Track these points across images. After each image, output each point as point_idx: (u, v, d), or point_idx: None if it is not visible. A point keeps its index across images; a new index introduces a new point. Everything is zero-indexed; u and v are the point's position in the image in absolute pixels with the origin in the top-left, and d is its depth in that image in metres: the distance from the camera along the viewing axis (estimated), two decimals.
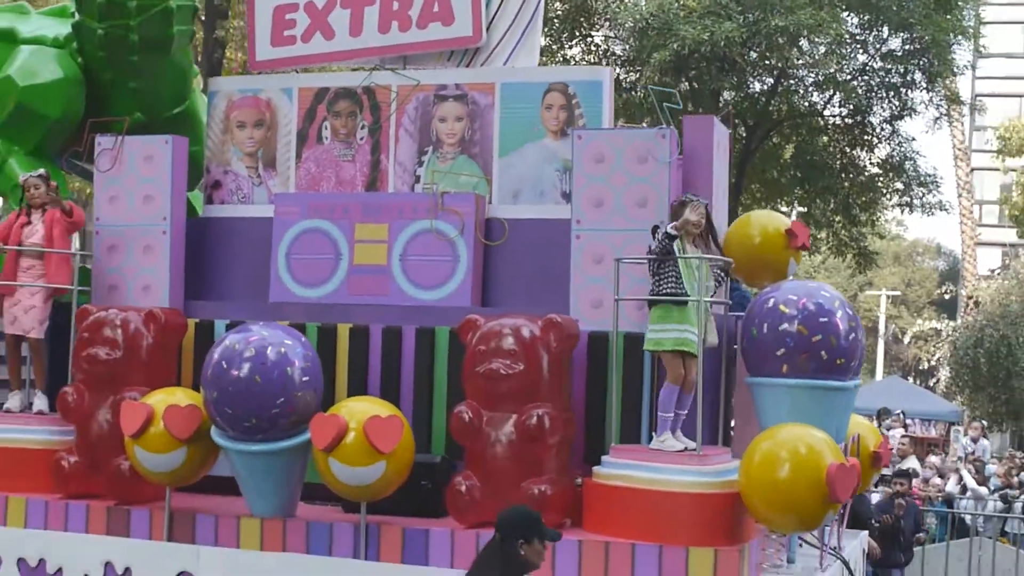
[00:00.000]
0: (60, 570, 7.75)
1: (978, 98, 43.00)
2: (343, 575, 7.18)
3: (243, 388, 7.04)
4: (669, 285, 7.00)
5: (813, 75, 22.24)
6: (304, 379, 7.19)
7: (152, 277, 8.62)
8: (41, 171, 8.53)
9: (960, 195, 39.69)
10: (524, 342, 7.23)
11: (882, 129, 23.51)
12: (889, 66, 22.34)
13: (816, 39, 20.75)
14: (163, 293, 8.57)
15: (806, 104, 22.96)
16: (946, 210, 25.99)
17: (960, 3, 22.02)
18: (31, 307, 8.38)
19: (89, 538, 7.70)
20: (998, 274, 41.06)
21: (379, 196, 8.51)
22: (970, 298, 36.89)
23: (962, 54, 24.64)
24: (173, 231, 8.63)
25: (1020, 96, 57.88)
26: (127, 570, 7.59)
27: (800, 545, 7.67)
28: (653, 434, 7.23)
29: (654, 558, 6.74)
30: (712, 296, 7.26)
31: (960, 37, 22.51)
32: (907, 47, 22.15)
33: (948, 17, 21.54)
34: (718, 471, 7.00)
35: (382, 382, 8.06)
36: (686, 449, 7.06)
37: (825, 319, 7.28)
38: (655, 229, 7.18)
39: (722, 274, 7.52)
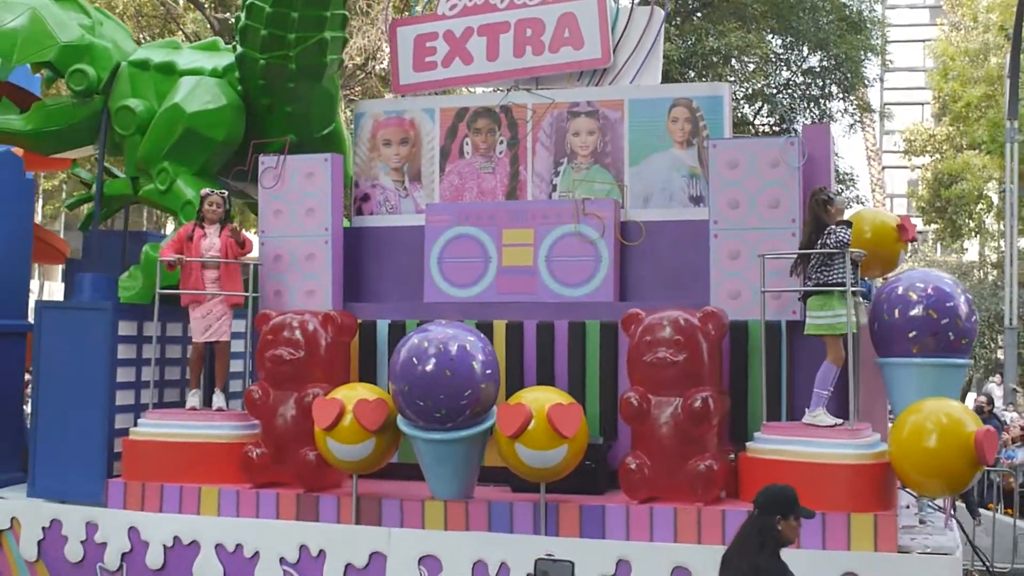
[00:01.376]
0: (256, 554, 7.72)
1: (886, 106, 44.31)
2: (527, 549, 7.10)
3: (434, 381, 7.02)
4: (837, 275, 7.01)
5: (744, 90, 23.35)
6: (487, 372, 7.18)
7: (315, 283, 8.64)
8: (223, 191, 8.46)
9: (873, 190, 41.38)
10: (686, 331, 7.28)
11: None
12: (809, 80, 23.67)
13: (745, 58, 22.42)
14: (326, 297, 8.58)
15: (739, 115, 23.68)
16: (862, 203, 27.43)
17: (869, 24, 23.73)
18: (223, 314, 8.47)
19: (286, 524, 7.60)
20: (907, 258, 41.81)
21: (524, 204, 8.55)
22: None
23: (872, 69, 26.36)
24: (333, 240, 8.56)
25: (922, 104, 60.52)
26: (321, 552, 7.60)
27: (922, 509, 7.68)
28: (806, 410, 7.19)
29: (817, 525, 6.73)
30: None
31: (870, 54, 24.15)
32: (824, 64, 23.48)
33: (859, 37, 23.09)
34: (869, 443, 6.99)
35: (537, 372, 8.04)
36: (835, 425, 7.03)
37: (951, 304, 7.41)
38: (820, 228, 7.19)
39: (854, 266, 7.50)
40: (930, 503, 7.84)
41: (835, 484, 6.86)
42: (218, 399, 8.54)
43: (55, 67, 9.54)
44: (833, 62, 23.16)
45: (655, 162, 8.54)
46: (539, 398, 7.14)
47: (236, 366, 9.07)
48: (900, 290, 7.51)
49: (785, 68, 23.87)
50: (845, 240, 7.15)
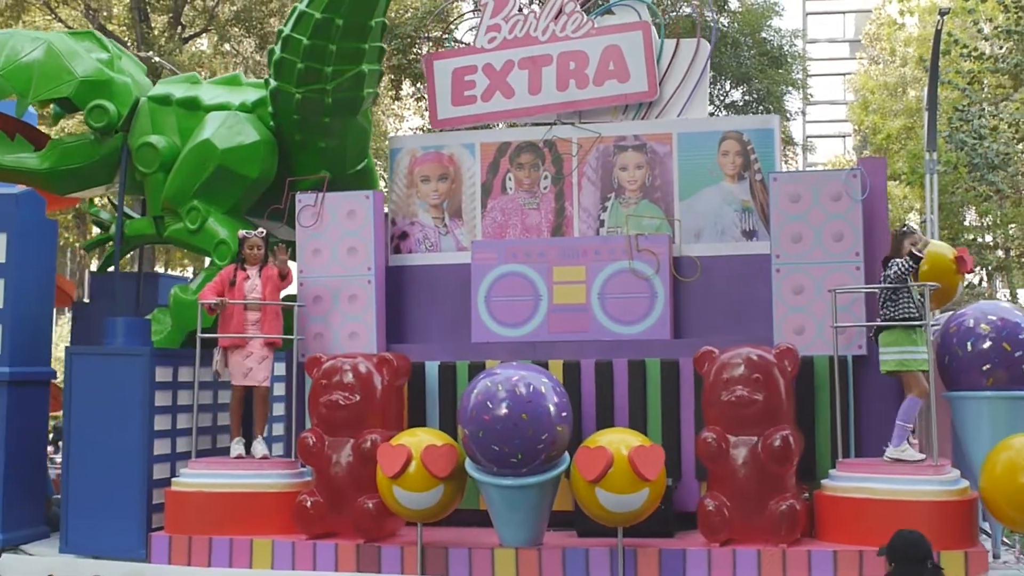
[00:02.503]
0: None
1: (809, 139, 45.38)
2: None
3: (511, 425, 6.82)
4: (910, 309, 6.93)
5: None
6: (562, 414, 6.99)
7: (359, 324, 8.40)
8: (262, 230, 8.24)
9: None
10: (763, 369, 7.17)
11: None
12: (732, 115, 23.86)
13: None
14: (370, 338, 8.33)
15: None
16: None
17: (790, 59, 24.23)
18: (264, 358, 8.15)
19: None
20: None
21: (574, 240, 8.39)
22: None
23: (793, 102, 26.77)
24: (377, 280, 8.30)
25: (843, 136, 62.14)
26: None
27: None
28: (886, 446, 7.10)
29: None
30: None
31: (791, 88, 24.72)
32: (746, 98, 23.93)
33: (780, 71, 23.64)
34: (952, 479, 6.92)
35: (597, 412, 7.86)
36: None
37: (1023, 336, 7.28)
38: (887, 261, 7.10)
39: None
40: (1005, 539, 7.78)
41: (923, 522, 6.73)
42: (260, 447, 8.22)
43: (73, 103, 9.19)
44: (755, 96, 23.57)
45: (706, 196, 8.42)
46: (617, 440, 6.95)
47: (276, 409, 8.77)
48: (970, 323, 7.45)
49: (708, 103, 24.08)
50: (903, 271, 7.07)
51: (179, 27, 24.97)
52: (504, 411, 6.87)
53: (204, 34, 26.23)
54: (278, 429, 9.45)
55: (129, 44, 23.64)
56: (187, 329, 8.71)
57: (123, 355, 8.19)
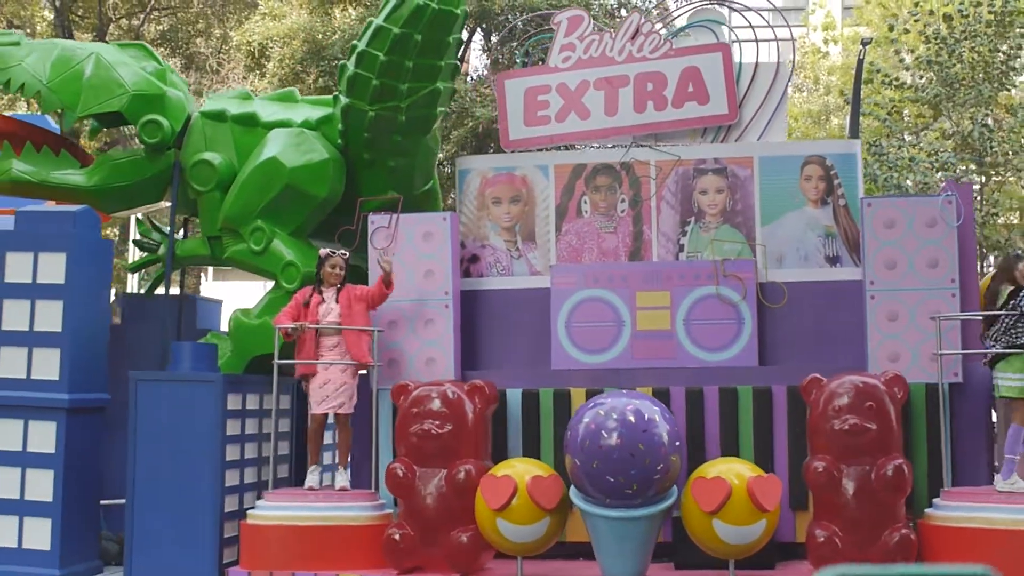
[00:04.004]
0: None
1: None
2: None
3: (627, 456, 6.72)
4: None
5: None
6: (675, 443, 6.92)
7: (435, 350, 8.24)
8: (343, 251, 8.02)
9: None
10: (875, 397, 7.15)
11: None
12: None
13: None
14: (448, 365, 8.19)
15: None
16: None
17: None
18: (343, 384, 7.88)
19: None
20: None
21: (658, 265, 8.33)
22: None
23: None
24: (454, 304, 8.17)
25: None
26: None
27: None
28: (998, 478, 7.13)
29: None
30: None
31: None
32: None
33: None
34: None
35: (688, 441, 7.77)
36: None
37: None
38: (1003, 285, 7.16)
39: None
40: None
41: None
42: (341, 478, 8.00)
43: (124, 117, 8.94)
44: None
45: (789, 221, 8.42)
46: (732, 470, 6.89)
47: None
48: None
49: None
50: None
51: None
52: (619, 441, 6.75)
53: None
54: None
55: None
56: (249, 355, 8.51)
57: (194, 381, 7.94)
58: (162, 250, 9.49)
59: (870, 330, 7.83)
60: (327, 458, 9.26)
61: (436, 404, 7.54)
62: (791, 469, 7.74)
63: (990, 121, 18.26)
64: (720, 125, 8.67)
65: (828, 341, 8.18)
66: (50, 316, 8.15)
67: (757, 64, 8.70)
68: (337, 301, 8.00)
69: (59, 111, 9.14)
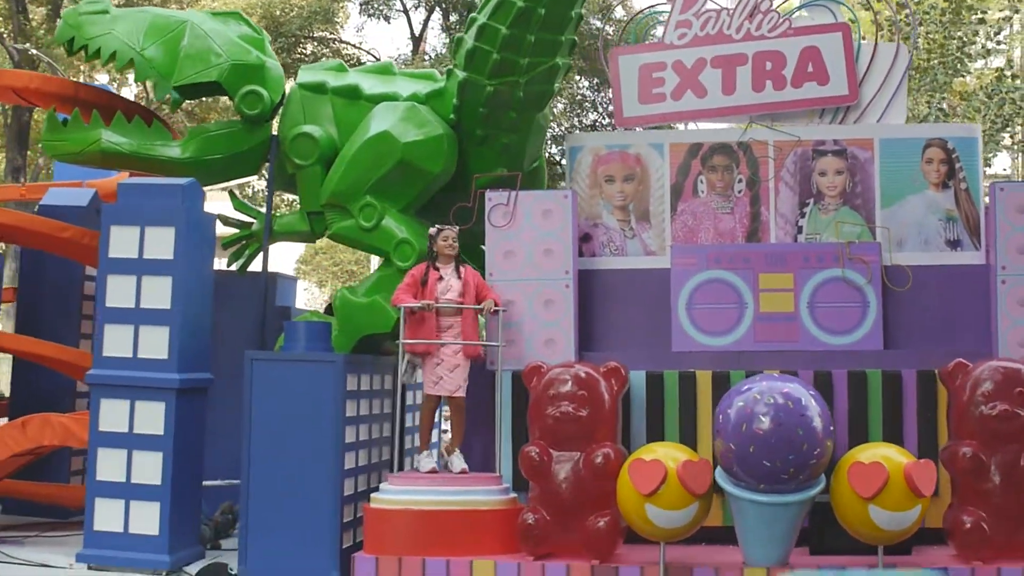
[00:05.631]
0: None
1: None
2: None
3: (785, 440, 6.71)
4: None
5: (551, 131, 23.65)
6: (829, 428, 6.91)
7: (555, 331, 8.20)
8: (455, 225, 7.91)
9: None
10: None
11: None
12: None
13: (555, 100, 22.55)
14: (567, 346, 8.18)
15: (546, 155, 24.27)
16: None
17: None
18: (456, 366, 7.84)
19: None
20: None
21: (782, 247, 8.35)
22: None
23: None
24: (574, 284, 8.13)
25: None
26: None
27: None
28: None
29: None
30: None
31: None
32: None
33: None
34: None
35: None
36: None
37: None
38: None
39: None
40: None
41: None
42: (458, 461, 7.91)
43: (224, 88, 8.78)
44: None
45: (909, 204, 8.45)
46: (885, 455, 6.91)
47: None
48: None
49: (593, 110, 24.17)
50: None
51: (58, 19, 24.27)
52: (778, 425, 6.73)
53: None
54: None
55: (6, 36, 23.12)
56: (358, 334, 8.41)
57: (312, 362, 7.82)
58: (256, 226, 9.31)
59: (1000, 315, 7.88)
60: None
61: (573, 386, 7.48)
62: (920, 454, 7.76)
63: (945, 106, 18.55)
64: (839, 106, 8.67)
65: (951, 326, 8.22)
66: (158, 293, 8.01)
67: (876, 45, 8.71)
68: (459, 278, 7.92)
69: (151, 81, 8.92)
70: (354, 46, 24.72)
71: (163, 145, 8.94)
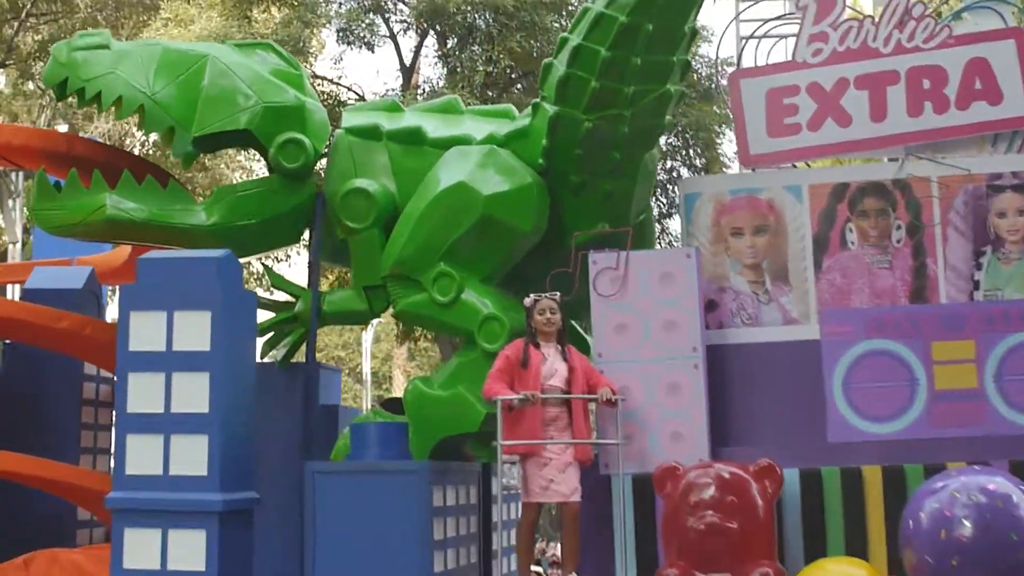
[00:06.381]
0: None
1: None
2: None
3: (994, 546, 6.63)
4: None
5: None
6: None
7: (682, 422, 8.18)
8: (555, 293, 7.99)
9: None
10: None
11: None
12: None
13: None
14: (698, 441, 8.16)
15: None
16: None
17: (723, 93, 23.72)
18: (567, 465, 7.81)
19: None
20: None
21: (956, 307, 8.32)
22: None
23: (729, 145, 26.59)
24: (703, 363, 8.16)
25: None
26: None
27: None
28: None
29: None
30: None
31: (724, 126, 23.89)
32: (672, 143, 23.61)
33: (711, 107, 23.27)
34: None
35: None
36: None
37: None
38: None
39: None
40: None
41: None
42: None
43: (255, 137, 8.89)
44: (681, 140, 23.58)
45: None
46: None
47: None
48: None
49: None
50: None
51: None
52: (985, 529, 6.69)
53: (2, 69, 26.24)
54: None
55: None
56: (437, 435, 8.43)
57: (392, 473, 7.84)
58: (300, 306, 9.34)
59: None
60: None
61: (719, 491, 7.46)
62: None
63: None
64: (1016, 130, 8.75)
65: None
66: (193, 393, 7.91)
67: None
68: (564, 359, 7.94)
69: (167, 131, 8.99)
70: (332, 81, 24.75)
71: (183, 210, 8.97)
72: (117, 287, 10.38)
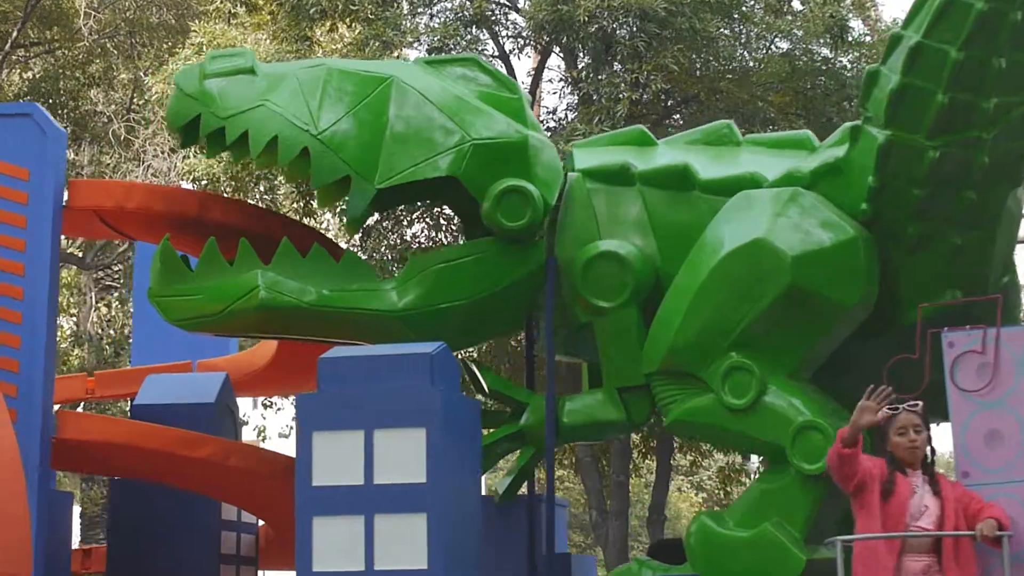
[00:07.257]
0: None
1: None
2: None
3: None
4: None
5: None
6: None
7: None
8: (918, 403, 7.50)
9: None
10: None
11: None
12: None
13: None
14: None
15: None
16: None
17: None
18: None
19: None
20: None
21: None
22: None
23: None
24: None
25: None
26: None
27: None
28: None
29: None
30: None
31: None
32: None
33: None
34: None
35: None
36: None
37: None
38: None
39: None
40: None
41: None
42: None
43: (465, 186, 8.75)
44: None
45: None
46: None
47: None
48: None
49: None
50: None
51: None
52: None
53: None
54: None
55: None
56: None
57: None
58: (528, 418, 9.02)
59: None
60: None
61: None
62: None
63: None
64: None
65: None
66: (404, 544, 7.73)
67: None
68: (935, 494, 7.43)
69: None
70: None
71: (366, 291, 8.76)
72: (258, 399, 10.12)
